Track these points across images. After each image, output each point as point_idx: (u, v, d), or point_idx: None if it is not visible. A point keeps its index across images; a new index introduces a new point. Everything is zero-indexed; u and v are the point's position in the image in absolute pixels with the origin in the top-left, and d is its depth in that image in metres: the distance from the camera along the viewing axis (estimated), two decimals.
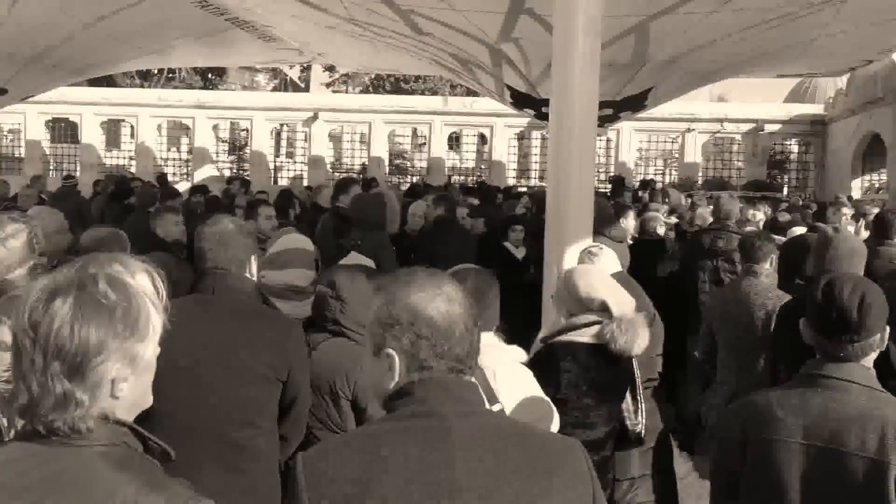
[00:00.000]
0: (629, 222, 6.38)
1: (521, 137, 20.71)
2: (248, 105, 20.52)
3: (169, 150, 22.72)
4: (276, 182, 20.55)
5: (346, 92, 33.98)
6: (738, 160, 20.39)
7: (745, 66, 12.32)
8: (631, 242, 6.29)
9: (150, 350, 1.33)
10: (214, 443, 2.41)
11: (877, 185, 17.72)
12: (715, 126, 19.42)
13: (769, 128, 19.23)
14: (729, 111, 19.95)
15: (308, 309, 2.91)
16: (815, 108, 19.78)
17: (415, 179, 20.09)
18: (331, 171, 20.58)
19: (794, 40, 10.24)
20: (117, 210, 7.66)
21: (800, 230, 6.05)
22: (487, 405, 1.66)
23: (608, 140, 19.57)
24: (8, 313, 2.45)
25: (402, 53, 12.97)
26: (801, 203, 12.73)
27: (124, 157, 22.46)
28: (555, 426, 2.56)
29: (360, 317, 2.77)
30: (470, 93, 28.79)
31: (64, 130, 22.34)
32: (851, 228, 7.50)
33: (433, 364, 1.42)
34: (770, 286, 4.17)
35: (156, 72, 31.55)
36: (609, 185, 14.40)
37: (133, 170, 19.89)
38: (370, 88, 35.97)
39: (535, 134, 19.81)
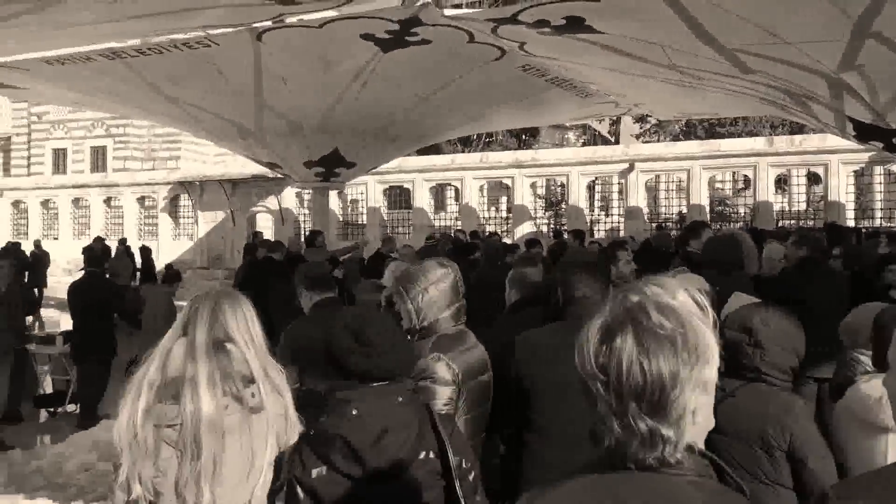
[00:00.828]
0: None
1: (860, 174, 18.75)
2: (565, 161, 20.99)
3: (488, 209, 23.97)
4: (592, 234, 20.66)
5: (658, 141, 33.45)
6: None
7: None
8: None
9: (714, 371, 1.27)
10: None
11: None
12: None
13: None
14: None
15: None
16: None
17: (738, 225, 19.02)
18: (647, 221, 20.23)
19: None
20: (464, 264, 8.10)
21: None
22: None
23: None
24: (442, 350, 2.64)
25: (723, 96, 12.47)
26: None
27: (450, 218, 24.08)
28: None
29: (781, 360, 2.67)
30: (794, 131, 26.90)
31: (398, 197, 24.56)
32: None
33: None
34: None
35: (474, 137, 33.73)
36: None
37: (460, 226, 21.18)
38: (680, 136, 35.12)
39: (878, 170, 17.83)
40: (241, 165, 24.85)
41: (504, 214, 24.17)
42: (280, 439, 2.06)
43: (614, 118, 37.32)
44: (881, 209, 18.76)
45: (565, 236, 14.11)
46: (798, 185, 20.02)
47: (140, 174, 29.88)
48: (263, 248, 10.37)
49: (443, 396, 2.58)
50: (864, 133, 11.03)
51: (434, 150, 25.09)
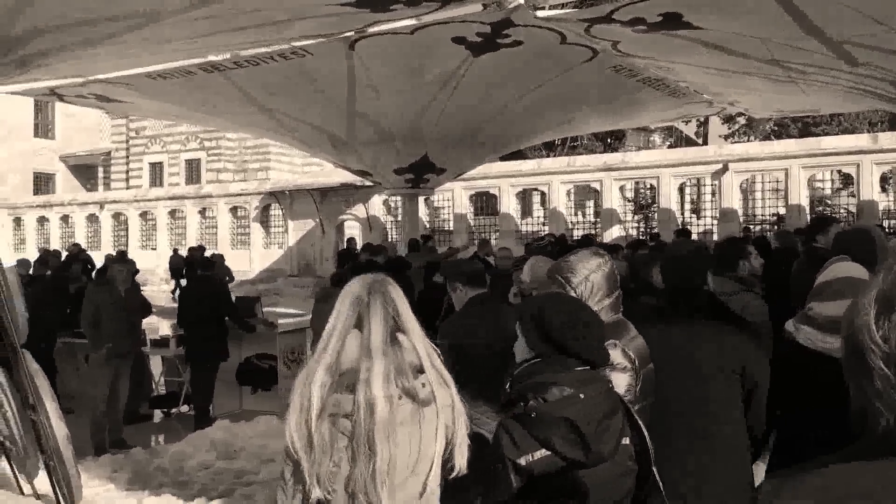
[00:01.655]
0: None
1: None
2: (655, 163, 20.60)
3: (575, 213, 23.73)
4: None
5: (747, 141, 32.52)
6: None
7: None
8: None
9: None
10: (691, 430, 2.86)
11: None
12: None
13: None
14: None
15: None
16: None
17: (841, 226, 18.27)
18: (742, 223, 19.65)
19: None
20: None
21: None
22: None
23: None
24: (616, 337, 2.61)
25: (826, 91, 12.01)
26: None
27: (536, 223, 23.94)
28: None
29: None
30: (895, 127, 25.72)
31: (484, 202, 24.57)
32: None
33: None
34: None
35: (558, 142, 33.47)
36: None
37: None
38: (771, 136, 34.06)
39: None
40: (329, 174, 25.33)
41: (591, 219, 23.89)
42: (448, 430, 2.05)
43: (701, 119, 36.48)
44: None
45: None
46: None
47: (232, 185, 30.81)
48: (365, 252, 10.52)
49: (622, 384, 2.54)
50: None
51: (519, 155, 25.01)
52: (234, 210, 28.63)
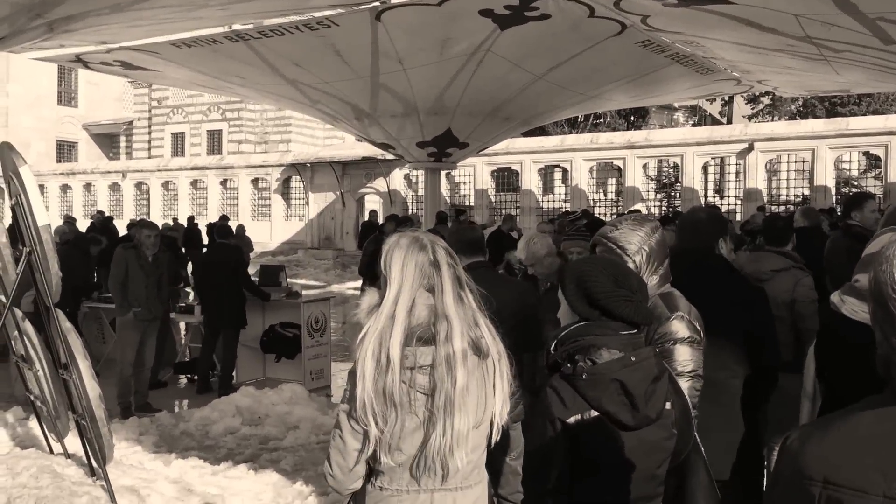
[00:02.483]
0: None
1: None
2: (680, 141, 20.42)
3: (597, 190, 23.58)
4: None
5: (772, 121, 32.11)
6: None
7: None
8: None
9: None
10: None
11: None
12: None
13: None
14: None
15: None
16: None
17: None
18: (767, 203, 19.46)
19: None
20: None
21: None
22: None
23: None
24: (675, 308, 2.59)
25: (859, 70, 11.79)
26: None
27: (558, 200, 23.83)
28: None
29: None
30: None
31: (506, 178, 24.47)
32: None
33: None
34: None
35: (581, 118, 33.20)
36: None
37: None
38: (796, 116, 33.59)
39: None
40: (351, 147, 25.30)
41: (613, 197, 23.75)
42: (505, 381, 2.05)
43: (725, 99, 36.04)
44: None
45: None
46: None
47: (254, 156, 30.89)
48: (391, 222, 10.51)
49: (688, 357, 2.52)
50: None
51: (541, 131, 24.85)
52: (255, 181, 28.71)
